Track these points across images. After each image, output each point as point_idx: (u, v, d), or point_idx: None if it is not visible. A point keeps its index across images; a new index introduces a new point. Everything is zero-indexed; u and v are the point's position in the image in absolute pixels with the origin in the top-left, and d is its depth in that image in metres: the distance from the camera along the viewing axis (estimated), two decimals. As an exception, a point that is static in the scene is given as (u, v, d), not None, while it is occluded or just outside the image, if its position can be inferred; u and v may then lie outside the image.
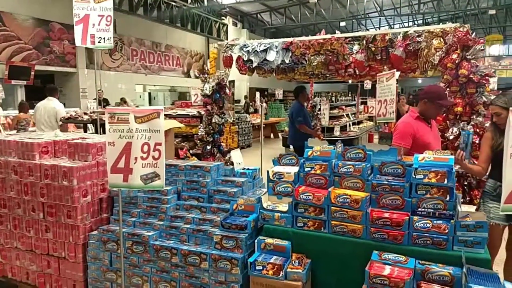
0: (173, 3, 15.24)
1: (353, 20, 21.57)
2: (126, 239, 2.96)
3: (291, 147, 8.22)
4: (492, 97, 3.76)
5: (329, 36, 4.49)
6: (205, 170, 3.19)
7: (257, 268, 2.52)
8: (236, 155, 3.47)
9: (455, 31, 3.81)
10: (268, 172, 2.89)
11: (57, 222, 3.15)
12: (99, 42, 4.18)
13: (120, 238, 2.77)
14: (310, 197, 2.59)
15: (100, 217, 3.27)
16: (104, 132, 6.86)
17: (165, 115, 6.76)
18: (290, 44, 4.61)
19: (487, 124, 3.74)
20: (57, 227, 3.15)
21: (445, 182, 2.41)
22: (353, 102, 12.63)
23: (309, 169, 2.77)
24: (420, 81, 28.41)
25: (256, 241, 2.66)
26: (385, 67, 5.26)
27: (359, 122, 11.99)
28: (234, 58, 5.06)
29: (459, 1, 19.14)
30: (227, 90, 4.89)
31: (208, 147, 4.86)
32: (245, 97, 18.35)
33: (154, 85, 18.50)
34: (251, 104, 16.40)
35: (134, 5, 13.37)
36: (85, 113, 6.43)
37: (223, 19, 19.07)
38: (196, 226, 2.93)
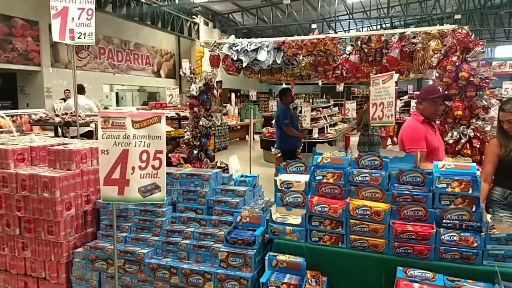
0: (143, 1, 14.71)
1: (323, 22, 21.68)
2: (117, 257, 2.65)
3: (273, 149, 8.04)
4: (492, 100, 3.72)
5: (323, 36, 4.32)
6: (203, 178, 2.92)
7: (270, 288, 2.29)
8: (234, 162, 3.22)
9: (454, 33, 3.72)
10: (275, 181, 2.66)
11: (36, 239, 2.79)
12: (79, 37, 3.81)
13: (114, 256, 2.45)
14: (325, 209, 2.39)
15: (85, 232, 2.94)
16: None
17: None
18: (282, 44, 4.41)
19: (488, 128, 3.68)
20: (36, 244, 2.80)
21: (470, 191, 2.27)
22: (328, 104, 12.60)
23: (321, 177, 2.57)
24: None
25: (266, 258, 2.42)
26: (374, 68, 5.16)
27: (335, 124, 11.98)
28: (221, 57, 4.80)
29: (426, 6, 19.65)
30: (215, 91, 4.61)
31: (195, 152, 4.57)
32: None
33: (123, 85, 17.85)
34: (225, 105, 16.14)
35: (102, 2, 12.78)
36: (57, 115, 5.96)
37: (194, 18, 18.68)
38: (196, 241, 2.66)
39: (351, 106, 10.98)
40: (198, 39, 18.93)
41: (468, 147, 3.67)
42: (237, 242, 2.52)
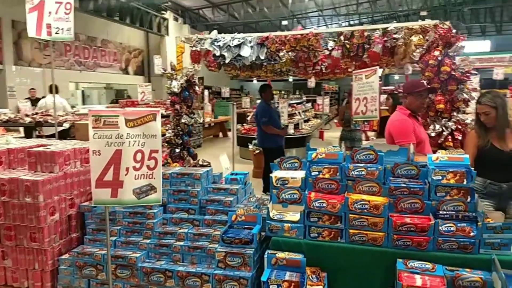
0: (111, -5, 14.27)
1: (294, 19, 21.77)
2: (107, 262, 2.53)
3: (250, 146, 8.00)
4: (473, 94, 3.82)
5: (307, 31, 4.30)
6: (195, 177, 2.84)
7: (272, 287, 2.25)
8: (224, 160, 3.16)
9: (436, 28, 3.78)
10: (271, 178, 2.62)
11: (18, 247, 2.63)
12: (56, 33, 3.62)
13: (108, 262, 2.34)
14: (324, 204, 2.37)
15: (70, 238, 2.80)
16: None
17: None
18: (265, 39, 4.35)
19: (468, 121, 3.78)
20: (18, 252, 2.64)
21: (465, 182, 2.31)
22: (302, 100, 12.67)
23: (317, 173, 2.55)
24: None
25: (265, 256, 2.38)
26: (353, 64, 5.20)
27: (308, 120, 12.06)
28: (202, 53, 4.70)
29: (394, 2, 20.09)
30: (197, 88, 4.51)
31: (177, 150, 4.45)
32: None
33: (90, 83, 17.29)
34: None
35: (68, -4, 12.28)
36: (27, 115, 5.67)
37: (163, 14, 18.30)
38: (191, 242, 2.59)
39: (324, 102, 11.07)
40: (168, 35, 18.59)
41: (450, 140, 3.75)
42: (234, 241, 2.46)
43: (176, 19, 19.64)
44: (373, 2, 20.29)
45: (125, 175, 2.14)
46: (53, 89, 4.21)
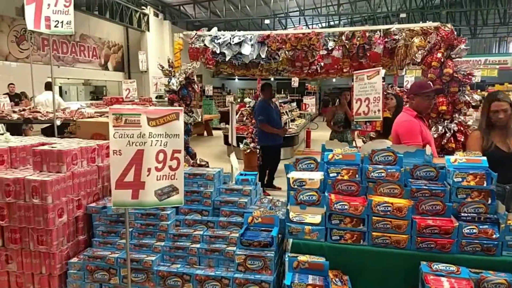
0: (90, -11, 13.89)
1: (275, 18, 21.80)
2: (121, 266, 2.44)
3: (241, 145, 7.92)
4: (475, 96, 3.88)
5: (309, 30, 4.28)
6: (207, 178, 2.77)
7: (296, 291, 2.20)
8: (234, 160, 3.09)
9: (438, 30, 3.83)
10: (288, 179, 2.57)
11: (23, 250, 2.49)
12: (55, 26, 3.44)
13: (128, 266, 2.24)
14: (346, 207, 2.34)
15: (77, 240, 2.68)
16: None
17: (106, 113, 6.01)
18: (267, 38, 4.31)
19: (470, 122, 3.84)
20: (23, 256, 2.50)
21: (485, 184, 2.33)
22: (288, 100, 12.69)
23: (335, 174, 2.53)
24: (334, 80, 29.85)
25: (286, 259, 2.33)
26: (349, 64, 5.22)
27: (293, 120, 12.09)
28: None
29: (374, 4, 20.39)
30: (195, 86, 4.42)
31: (176, 149, 4.35)
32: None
33: (68, 78, 16.77)
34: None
35: (46, -11, 11.86)
36: (14, 111, 5.42)
37: (143, 9, 17.96)
38: (207, 245, 2.51)
39: (310, 102, 11.12)
40: (148, 30, 18.27)
41: (452, 141, 3.81)
42: (253, 244, 2.41)
43: (156, 15, 19.31)
44: (353, 3, 20.57)
45: (147, 175, 2.06)
46: (53, 86, 4.04)
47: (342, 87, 29.26)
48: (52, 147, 2.63)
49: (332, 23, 24.65)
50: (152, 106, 7.15)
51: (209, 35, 4.38)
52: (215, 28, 4.44)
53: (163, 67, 4.40)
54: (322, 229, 2.38)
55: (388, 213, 2.30)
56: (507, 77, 18.85)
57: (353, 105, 4.52)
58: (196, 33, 4.44)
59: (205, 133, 13.83)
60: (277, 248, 2.44)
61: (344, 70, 5.70)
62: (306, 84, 21.75)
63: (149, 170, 2.06)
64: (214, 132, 14.07)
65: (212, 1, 19.49)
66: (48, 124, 5.27)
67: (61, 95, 17.70)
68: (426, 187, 2.37)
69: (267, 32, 4.32)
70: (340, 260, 2.36)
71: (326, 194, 2.45)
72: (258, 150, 7.45)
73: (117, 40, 18.36)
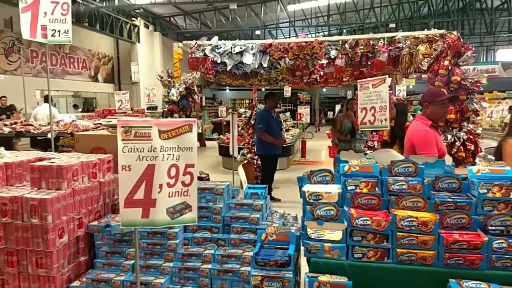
0: (80, 1, 13.71)
1: (265, 29, 21.85)
2: (128, 290, 2.26)
3: (238, 156, 7.78)
4: (483, 104, 3.81)
5: (312, 39, 4.19)
6: (216, 193, 2.62)
7: (318, 313, 2.06)
8: (242, 173, 2.95)
9: (444, 37, 3.77)
10: (304, 192, 2.44)
11: (21, 274, 2.31)
12: (52, 35, 3.28)
13: (134, 293, 2.06)
14: (368, 222, 2.21)
15: (78, 262, 2.49)
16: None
17: (100, 125, 5.83)
18: (268, 46, 4.20)
19: (479, 131, 3.76)
20: (21, 280, 2.31)
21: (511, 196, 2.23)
22: (282, 109, 12.60)
23: (353, 187, 2.40)
24: (324, 90, 29.96)
25: (306, 280, 2.18)
26: (354, 72, 5.15)
27: (288, 130, 11.99)
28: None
29: (363, 14, 20.58)
30: (196, 96, 4.28)
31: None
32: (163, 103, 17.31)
33: (57, 90, 16.49)
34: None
35: (36, 0, 11.66)
36: (5, 125, 5.20)
37: (134, 21, 17.85)
38: (219, 265, 2.35)
39: (304, 111, 11.06)
40: (139, 42, 18.16)
41: (462, 150, 3.72)
42: (269, 263, 2.26)
43: (147, 26, 19.24)
44: (343, 14, 20.72)
45: (158, 192, 1.90)
46: (49, 98, 3.86)
47: (333, 96, 29.42)
48: (51, 162, 2.46)
49: (322, 34, 24.83)
50: (148, 118, 6.98)
51: (209, 45, 4.26)
52: (215, 38, 4.32)
53: (162, 78, 4.26)
54: (343, 247, 2.25)
55: (413, 228, 2.17)
56: (495, 85, 19.09)
57: (357, 114, 4.43)
58: (196, 43, 4.32)
59: (199, 144, 13.64)
60: (294, 268, 2.29)
61: (344, 79, 5.64)
62: (298, 94, 21.75)
63: (160, 186, 1.91)
64: (207, 142, 13.91)
65: (203, 13, 19.47)
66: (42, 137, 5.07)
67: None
68: (451, 200, 2.25)
69: (269, 41, 4.23)
70: (363, 280, 2.22)
71: (345, 208, 2.32)
72: (255, 161, 7.31)
73: (107, 52, 18.18)
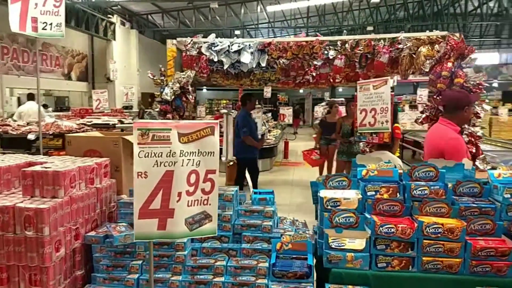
0: (54, -5, 13.16)
1: (244, 29, 21.71)
2: (134, 307, 2.07)
3: (223, 158, 7.59)
4: (485, 106, 3.79)
5: (313, 38, 4.07)
6: (225, 199, 2.45)
7: (344, 328, 1.93)
8: (248, 178, 2.79)
9: (447, 39, 3.73)
10: (321, 199, 2.31)
11: (12, 293, 2.07)
12: (43, 29, 3.01)
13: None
14: (392, 230, 2.10)
15: (74, 276, 2.28)
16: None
17: (85, 125, 5.53)
18: (268, 45, 4.06)
19: (479, 133, 3.74)
20: (12, 300, 2.07)
21: (535, 201, 2.17)
22: (263, 110, 12.48)
23: (373, 193, 2.29)
24: (301, 91, 30.05)
25: (328, 291, 2.06)
26: (344, 74, 5.09)
27: (270, 131, 11.90)
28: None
29: (342, 16, 20.75)
30: (190, 96, 4.09)
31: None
32: (139, 103, 16.89)
33: (28, 89, 15.79)
34: (146, 111, 15.11)
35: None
36: (-20, 124, 4.84)
37: (110, 18, 17.34)
38: (233, 278, 2.18)
39: (287, 112, 10.99)
40: (114, 39, 17.65)
41: (464, 153, 3.69)
42: (287, 275, 2.12)
43: (123, 24, 18.72)
44: (322, 15, 20.82)
45: (177, 201, 1.73)
46: (37, 97, 3.55)
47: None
48: (45, 167, 2.23)
49: (300, 35, 24.85)
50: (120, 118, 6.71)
51: (205, 42, 4.08)
52: (212, 35, 4.15)
53: (154, 76, 4.05)
54: (366, 256, 2.13)
55: (439, 235, 2.08)
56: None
57: (356, 115, 4.35)
58: (192, 40, 4.12)
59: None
60: (313, 279, 2.15)
61: (336, 81, 5.57)
62: (278, 95, 21.73)
63: (179, 194, 1.73)
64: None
65: (181, 11, 19.15)
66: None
67: (19, 106, 16.65)
68: (475, 205, 2.18)
69: (268, 40, 4.08)
70: (387, 290, 2.12)
71: (367, 215, 2.21)
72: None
73: (81, 49, 17.55)
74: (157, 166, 1.69)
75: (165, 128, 1.70)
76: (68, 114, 9.19)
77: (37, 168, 2.22)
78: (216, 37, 4.16)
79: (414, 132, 10.05)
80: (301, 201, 6.21)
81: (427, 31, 4.27)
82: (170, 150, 1.70)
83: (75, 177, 2.28)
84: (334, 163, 6.93)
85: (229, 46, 4.00)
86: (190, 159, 1.75)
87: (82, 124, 5.17)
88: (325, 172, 7.49)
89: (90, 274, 2.33)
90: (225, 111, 9.85)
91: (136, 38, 19.22)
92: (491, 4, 19.59)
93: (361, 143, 6.17)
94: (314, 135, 7.23)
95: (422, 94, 12.95)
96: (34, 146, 5.13)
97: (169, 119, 3.98)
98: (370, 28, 19.95)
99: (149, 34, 21.07)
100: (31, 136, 4.20)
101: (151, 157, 1.68)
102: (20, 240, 2.02)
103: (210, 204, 1.81)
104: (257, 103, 15.59)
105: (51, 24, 3.01)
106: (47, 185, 2.17)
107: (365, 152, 6.13)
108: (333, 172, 6.80)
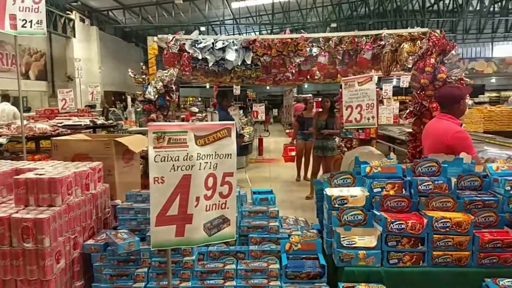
0: (10, -10, 12.45)
1: (209, 25, 21.48)
2: (144, 318, 1.97)
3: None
4: (468, 101, 3.91)
5: (297, 35, 4.05)
6: (230, 201, 2.38)
7: (362, 327, 1.92)
8: (248, 178, 2.73)
9: (429, 36, 3.81)
10: (329, 197, 2.29)
11: (10, 310, 1.91)
12: (23, 26, 2.79)
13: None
14: (403, 226, 2.12)
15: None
16: None
17: (59, 128, 5.24)
18: (252, 42, 4.00)
19: (462, 127, 3.85)
20: (10, 317, 1.92)
21: (533, 192, 2.25)
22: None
23: (379, 189, 2.30)
24: (268, 88, 30.12)
25: (343, 290, 2.04)
26: (317, 72, 5.11)
27: (243, 128, 11.83)
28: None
29: (307, 14, 20.97)
30: (173, 95, 3.97)
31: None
32: (103, 102, 16.33)
33: (-18, 89, 14.89)
34: (110, 110, 14.64)
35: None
36: None
37: (68, 14, 16.63)
38: (244, 281, 2.13)
39: (260, 109, 10.99)
40: (74, 36, 16.98)
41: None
42: (300, 276, 2.09)
43: (83, 20, 18.05)
44: (287, 12, 20.95)
45: (195, 206, 1.65)
46: (20, 97, 3.32)
47: (276, 94, 29.71)
48: (39, 174, 2.08)
49: (264, 32, 24.88)
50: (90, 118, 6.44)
51: (188, 39, 3.96)
52: (196, 32, 4.04)
53: (135, 75, 3.89)
54: (378, 253, 2.13)
55: (448, 229, 2.11)
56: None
57: (342, 112, 4.38)
58: (174, 37, 3.99)
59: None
60: (326, 279, 2.13)
61: (315, 78, 5.59)
62: (247, 92, 21.67)
63: (197, 199, 1.65)
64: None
65: (143, 7, 18.65)
66: None
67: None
68: (479, 198, 2.24)
69: (253, 37, 4.01)
70: (399, 285, 2.13)
71: (376, 212, 2.21)
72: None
73: (39, 47, 16.73)
74: (174, 170, 1.61)
75: (182, 130, 1.62)
76: (32, 115, 8.68)
77: (31, 175, 2.06)
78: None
79: (383, 126, 10.27)
80: (283, 198, 6.19)
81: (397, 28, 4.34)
82: (187, 154, 1.62)
83: (72, 184, 2.14)
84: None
85: (213, 43, 3.91)
86: (207, 162, 1.67)
87: (55, 125, 4.90)
88: (302, 169, 7.54)
89: (90, 285, 2.20)
90: (195, 109, 9.67)
91: (96, 35, 18.57)
92: (446, 1, 20.42)
93: (336, 139, 6.25)
94: (288, 131, 7.25)
95: (387, 89, 13.28)
96: (2, 150, 4.81)
97: (153, 119, 3.84)
98: (333, 25, 20.26)
99: (110, 31, 20.41)
100: (1, 140, 3.94)
101: (167, 161, 1.60)
102: (17, 253, 1.88)
103: (228, 208, 1.75)
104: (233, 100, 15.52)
105: (31, 21, 2.80)
106: (43, 193, 2.02)
107: (340, 147, 6.21)
108: (310, 167, 6.83)
